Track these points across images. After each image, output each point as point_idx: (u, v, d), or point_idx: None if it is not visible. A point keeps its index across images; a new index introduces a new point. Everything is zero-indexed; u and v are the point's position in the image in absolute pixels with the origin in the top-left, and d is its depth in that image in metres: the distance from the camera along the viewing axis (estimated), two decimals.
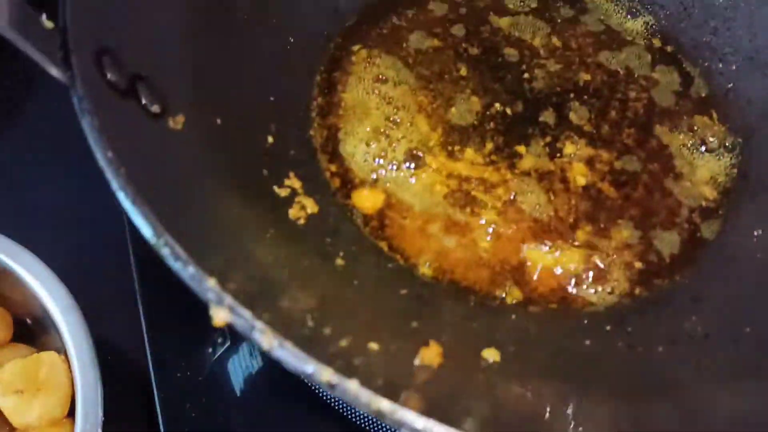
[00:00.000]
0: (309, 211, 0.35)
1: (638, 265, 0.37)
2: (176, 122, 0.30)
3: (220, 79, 0.35)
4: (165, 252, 0.22)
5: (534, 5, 0.47)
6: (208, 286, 0.21)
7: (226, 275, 0.22)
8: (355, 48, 0.43)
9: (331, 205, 0.37)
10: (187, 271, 0.21)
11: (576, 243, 0.37)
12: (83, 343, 0.36)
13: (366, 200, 0.39)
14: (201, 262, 0.22)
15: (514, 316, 0.35)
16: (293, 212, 0.34)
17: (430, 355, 0.28)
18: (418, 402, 0.23)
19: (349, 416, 0.38)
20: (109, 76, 0.26)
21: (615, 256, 0.37)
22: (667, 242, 0.38)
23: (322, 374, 0.20)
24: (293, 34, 0.41)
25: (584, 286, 0.36)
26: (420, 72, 0.43)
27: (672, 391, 0.30)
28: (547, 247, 0.37)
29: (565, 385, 0.29)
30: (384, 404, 0.21)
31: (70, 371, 0.36)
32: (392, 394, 0.22)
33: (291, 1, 0.41)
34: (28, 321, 0.42)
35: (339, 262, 0.33)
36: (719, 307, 0.35)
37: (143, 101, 0.29)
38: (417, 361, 0.27)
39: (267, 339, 0.20)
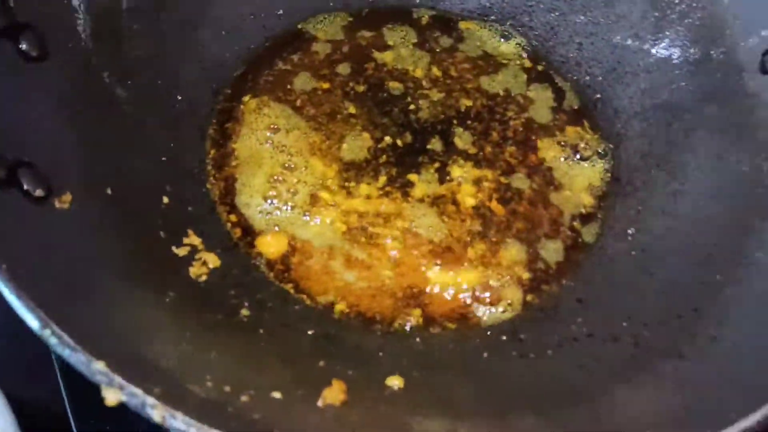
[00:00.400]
0: (211, 266, 0.36)
1: (527, 275, 0.40)
2: (63, 201, 0.31)
3: (107, 150, 0.36)
4: (53, 342, 0.23)
5: (414, 39, 0.49)
6: (97, 369, 0.22)
7: (117, 355, 0.23)
8: (245, 98, 0.45)
9: (234, 256, 0.38)
10: (75, 357, 0.22)
11: (470, 262, 0.40)
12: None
13: (269, 246, 0.40)
14: (90, 346, 0.23)
15: (418, 340, 0.37)
16: (194, 270, 0.35)
17: (333, 394, 0.30)
18: None
19: None
20: None
21: (506, 270, 0.40)
22: (553, 250, 0.41)
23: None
24: (180, 92, 0.42)
25: (480, 303, 0.39)
26: (310, 114, 0.45)
27: (569, 395, 0.32)
28: (445, 269, 0.40)
29: (468, 405, 0.32)
30: None
31: None
32: None
33: (175, 62, 0.42)
34: None
35: (244, 312, 0.35)
36: (600, 306, 0.38)
37: (25, 187, 0.29)
38: (320, 403, 0.29)
39: (158, 412, 0.22)
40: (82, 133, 0.35)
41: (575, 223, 0.42)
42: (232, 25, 0.46)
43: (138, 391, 0.22)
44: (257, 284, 0.38)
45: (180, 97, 0.43)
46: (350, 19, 0.50)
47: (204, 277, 0.35)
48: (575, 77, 0.49)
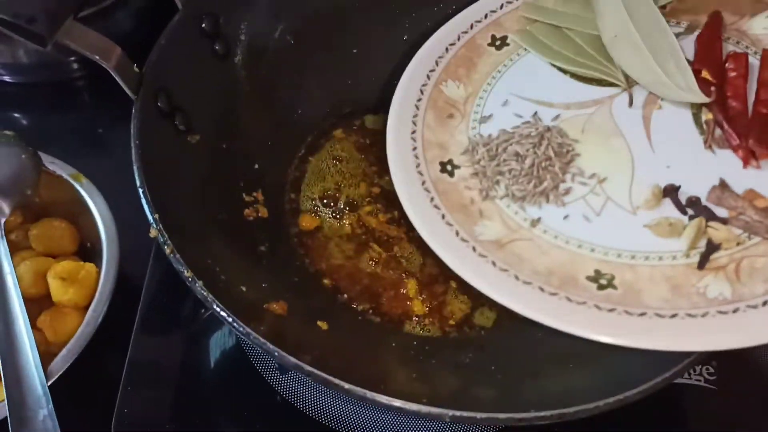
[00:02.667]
0: (260, 214, 0.55)
1: None
2: (193, 138, 0.52)
3: (236, 122, 0.57)
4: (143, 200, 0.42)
5: None
6: (155, 219, 0.42)
7: (168, 218, 0.43)
8: (336, 132, 0.63)
9: (278, 216, 0.57)
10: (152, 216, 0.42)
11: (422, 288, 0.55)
12: (112, 268, 0.55)
13: (306, 221, 0.58)
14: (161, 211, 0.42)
15: (360, 318, 0.53)
16: (248, 212, 0.55)
17: (277, 307, 0.46)
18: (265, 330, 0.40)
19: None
20: (159, 103, 0.48)
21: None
22: None
23: (186, 273, 0.40)
24: (301, 108, 0.62)
25: (413, 318, 0.53)
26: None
27: None
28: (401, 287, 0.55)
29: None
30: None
31: (98, 280, 0.54)
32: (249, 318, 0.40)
33: (306, 89, 0.62)
34: (89, 245, 0.61)
35: (261, 248, 0.53)
36: None
37: (176, 121, 0.50)
38: (266, 305, 0.46)
39: (167, 247, 0.40)
40: (226, 106, 0.56)
41: None
42: (358, 79, 0.65)
43: (166, 236, 0.41)
44: (282, 239, 0.56)
45: (300, 111, 0.63)
46: None
47: (251, 218, 0.54)
48: None
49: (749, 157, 0.46)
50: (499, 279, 0.45)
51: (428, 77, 0.58)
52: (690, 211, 0.45)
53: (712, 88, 0.49)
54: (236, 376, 0.56)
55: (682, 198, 0.46)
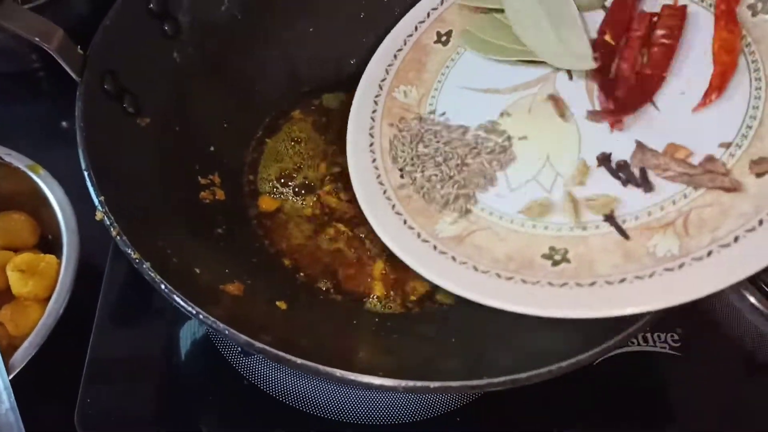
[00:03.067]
0: (217, 197, 0.54)
1: None
2: (143, 121, 0.51)
3: (190, 102, 0.56)
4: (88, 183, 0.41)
5: None
6: (100, 201, 0.41)
7: (116, 200, 0.42)
8: (294, 112, 0.63)
9: (237, 198, 0.56)
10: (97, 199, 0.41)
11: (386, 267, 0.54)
12: (72, 259, 0.54)
13: (266, 203, 0.58)
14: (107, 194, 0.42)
15: (322, 298, 0.52)
16: (204, 194, 0.54)
17: (233, 288, 0.46)
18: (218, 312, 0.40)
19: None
20: (105, 85, 0.47)
21: None
22: None
23: (133, 255, 0.39)
24: (259, 86, 0.62)
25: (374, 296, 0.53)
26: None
27: None
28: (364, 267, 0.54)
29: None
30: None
31: (59, 272, 0.54)
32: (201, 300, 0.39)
33: (265, 67, 0.61)
34: (50, 237, 0.60)
35: (218, 230, 0.52)
36: None
37: (124, 104, 0.49)
38: (221, 287, 0.45)
39: (113, 229, 0.39)
40: (179, 89, 0.55)
41: None
42: (316, 56, 0.64)
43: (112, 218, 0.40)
44: (240, 221, 0.55)
45: (256, 91, 0.62)
46: None
47: (207, 201, 0.54)
48: None
49: (614, 121, 0.47)
50: (458, 272, 0.45)
51: (380, 87, 0.58)
52: (622, 176, 0.45)
53: (596, 54, 0.50)
54: (201, 363, 0.56)
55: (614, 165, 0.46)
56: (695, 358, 0.59)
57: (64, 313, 0.52)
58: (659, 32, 0.49)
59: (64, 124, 0.76)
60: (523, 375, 0.37)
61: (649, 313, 0.38)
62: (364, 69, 0.61)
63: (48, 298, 0.53)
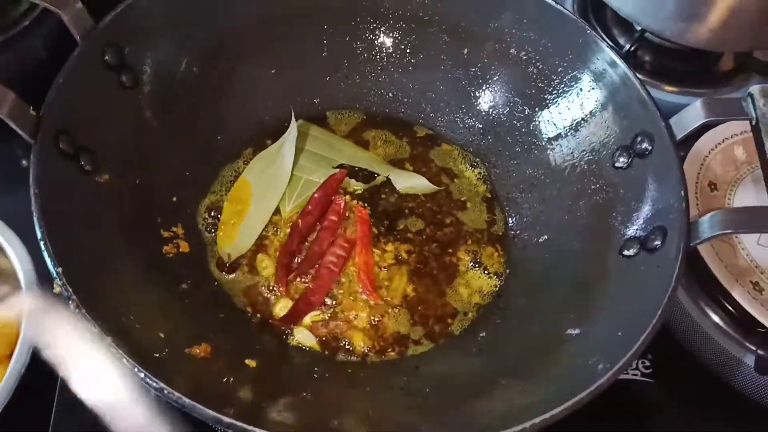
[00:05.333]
0: (181, 249, 0.53)
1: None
2: (102, 178, 0.50)
3: (148, 155, 0.54)
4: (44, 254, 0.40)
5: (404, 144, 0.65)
6: (58, 272, 0.40)
7: (75, 268, 0.41)
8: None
9: (199, 251, 0.55)
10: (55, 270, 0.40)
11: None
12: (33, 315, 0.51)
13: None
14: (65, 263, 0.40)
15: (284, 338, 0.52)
16: (167, 248, 0.53)
17: (199, 351, 0.45)
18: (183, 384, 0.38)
19: None
20: (61, 145, 0.46)
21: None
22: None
23: (93, 329, 0.38)
24: (222, 135, 0.61)
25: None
26: None
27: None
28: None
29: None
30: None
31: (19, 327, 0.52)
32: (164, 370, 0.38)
33: (224, 113, 0.61)
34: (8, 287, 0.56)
35: (183, 286, 0.51)
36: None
37: (81, 162, 0.48)
38: (188, 351, 0.44)
39: (72, 302, 0.38)
40: (137, 140, 0.53)
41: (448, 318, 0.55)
42: (278, 99, 0.64)
43: (70, 290, 0.39)
44: (206, 274, 0.54)
45: (219, 137, 0.61)
46: (365, 117, 0.67)
47: (171, 255, 0.53)
48: (509, 214, 0.62)
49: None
50: None
51: None
52: None
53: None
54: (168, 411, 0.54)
55: None
56: (668, 384, 0.60)
57: (26, 372, 0.50)
58: (328, 258, 0.55)
59: (24, 163, 0.73)
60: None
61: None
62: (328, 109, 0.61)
63: (9, 356, 0.51)
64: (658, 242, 0.48)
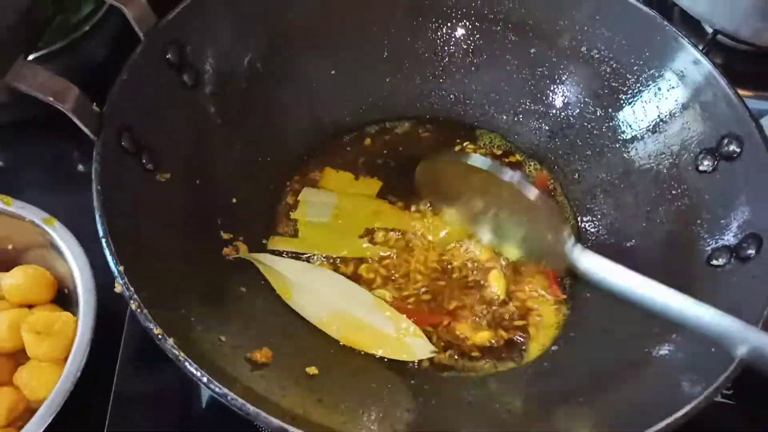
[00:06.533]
0: (240, 253, 0.52)
1: None
2: (163, 177, 0.49)
3: (210, 159, 0.53)
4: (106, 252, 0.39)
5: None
6: (119, 271, 0.38)
7: (136, 267, 0.39)
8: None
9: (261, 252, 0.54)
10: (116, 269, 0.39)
11: None
12: (89, 316, 0.51)
13: None
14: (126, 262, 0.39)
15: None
16: (227, 250, 0.51)
17: (260, 356, 0.43)
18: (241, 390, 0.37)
19: None
20: (123, 142, 0.45)
21: None
22: None
23: (155, 330, 0.36)
24: (289, 141, 0.60)
25: None
26: None
27: None
28: None
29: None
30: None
31: (76, 331, 0.52)
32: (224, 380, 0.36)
33: (288, 121, 0.59)
34: (66, 290, 0.58)
35: (242, 289, 0.49)
36: None
37: (143, 160, 0.47)
38: (248, 355, 0.43)
39: (133, 302, 0.37)
40: (198, 140, 0.52)
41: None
42: (338, 100, 0.62)
43: (131, 290, 0.38)
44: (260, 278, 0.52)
45: (280, 136, 0.59)
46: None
47: (231, 258, 0.51)
48: (580, 220, 0.59)
49: None
50: None
51: None
52: None
53: None
54: (223, 421, 0.52)
55: None
56: (750, 406, 0.55)
57: (83, 374, 0.49)
58: None
59: (80, 167, 0.74)
60: None
61: None
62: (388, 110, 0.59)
63: (65, 358, 0.50)
64: (752, 251, 0.45)
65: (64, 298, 0.57)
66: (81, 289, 0.53)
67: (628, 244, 0.54)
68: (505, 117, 0.64)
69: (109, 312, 0.54)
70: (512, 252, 0.55)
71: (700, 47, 0.72)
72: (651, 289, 0.43)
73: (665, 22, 0.55)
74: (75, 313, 0.53)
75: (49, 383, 0.50)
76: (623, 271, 0.46)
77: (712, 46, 0.75)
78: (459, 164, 0.54)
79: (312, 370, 0.45)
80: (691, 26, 0.78)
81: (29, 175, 0.72)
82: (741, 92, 0.71)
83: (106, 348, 0.53)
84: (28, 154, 0.74)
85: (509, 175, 0.48)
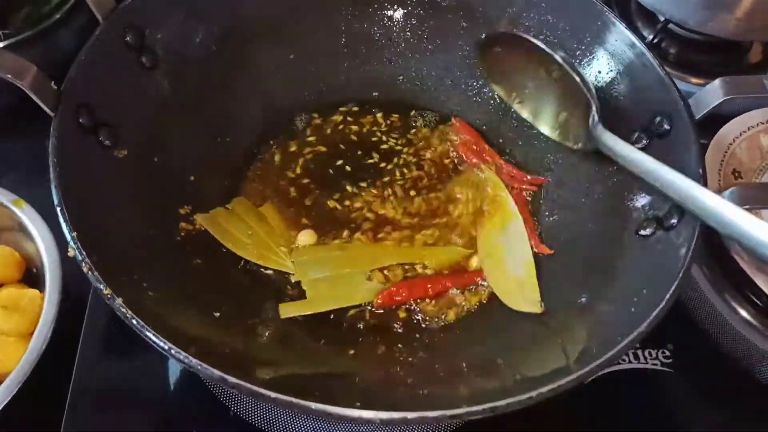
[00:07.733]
0: (196, 227, 0.54)
1: None
2: (120, 153, 0.51)
3: (169, 137, 0.55)
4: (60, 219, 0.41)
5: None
6: (72, 237, 0.40)
7: (91, 236, 0.41)
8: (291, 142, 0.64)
9: None
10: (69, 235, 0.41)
11: None
12: (55, 293, 0.54)
13: None
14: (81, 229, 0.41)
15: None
16: (183, 225, 0.53)
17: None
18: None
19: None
20: (80, 119, 0.47)
21: None
22: None
23: (105, 291, 0.38)
24: (243, 124, 0.62)
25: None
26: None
27: None
28: None
29: None
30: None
31: (42, 307, 0.53)
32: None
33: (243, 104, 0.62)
34: (34, 270, 0.60)
35: (197, 261, 0.52)
36: None
37: (100, 137, 0.49)
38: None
39: (84, 265, 0.39)
40: (156, 118, 0.54)
41: None
42: (295, 84, 0.65)
43: (83, 253, 0.40)
44: (219, 250, 0.55)
45: (236, 116, 0.61)
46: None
47: (187, 232, 0.53)
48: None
49: None
50: None
51: None
52: None
53: None
54: (188, 395, 0.55)
55: None
56: (688, 374, 0.58)
57: (47, 348, 0.51)
58: None
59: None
60: (503, 402, 0.36)
61: None
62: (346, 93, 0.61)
63: (31, 333, 0.52)
64: (674, 220, 0.47)
65: (32, 278, 0.59)
66: (47, 268, 0.55)
67: (568, 217, 0.57)
68: (456, 99, 0.67)
69: (75, 292, 0.57)
70: (546, 128, 0.60)
71: (652, 37, 0.76)
72: (654, 165, 0.47)
73: (604, 7, 0.57)
74: (42, 291, 0.55)
75: (16, 356, 0.52)
76: (633, 150, 0.49)
77: (666, 35, 0.78)
78: (518, 39, 0.57)
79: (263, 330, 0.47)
80: (648, 17, 0.81)
81: (2, 162, 0.73)
82: (694, 80, 0.75)
83: (71, 324, 0.56)
84: (1, 141, 0.76)
85: (560, 56, 0.54)
